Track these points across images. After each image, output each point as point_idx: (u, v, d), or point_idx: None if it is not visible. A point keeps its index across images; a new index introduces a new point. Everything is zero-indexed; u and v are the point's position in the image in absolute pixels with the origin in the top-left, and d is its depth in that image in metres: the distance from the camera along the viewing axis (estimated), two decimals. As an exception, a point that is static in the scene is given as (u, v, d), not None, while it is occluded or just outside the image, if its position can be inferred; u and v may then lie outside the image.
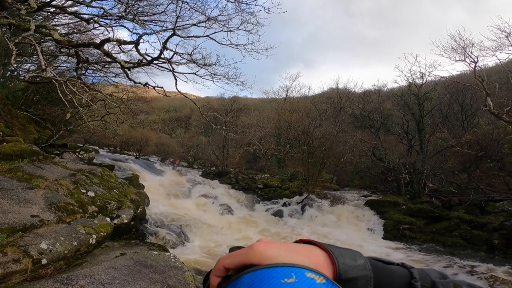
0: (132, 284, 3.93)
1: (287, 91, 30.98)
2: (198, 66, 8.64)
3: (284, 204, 14.23)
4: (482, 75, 9.84)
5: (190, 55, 8.37)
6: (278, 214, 13.50)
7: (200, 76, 8.84)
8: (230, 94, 41.37)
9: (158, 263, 4.63)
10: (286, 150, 20.51)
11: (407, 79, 16.18)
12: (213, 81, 9.01)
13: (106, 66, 10.02)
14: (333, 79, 58.14)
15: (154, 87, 8.39)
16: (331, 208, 12.42)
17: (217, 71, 10.11)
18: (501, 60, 10.62)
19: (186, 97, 8.91)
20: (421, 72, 15.11)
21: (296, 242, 0.44)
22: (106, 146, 30.48)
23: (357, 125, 22.18)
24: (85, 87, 6.11)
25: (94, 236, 4.53)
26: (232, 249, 7.40)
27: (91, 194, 5.54)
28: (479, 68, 10.34)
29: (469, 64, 10.59)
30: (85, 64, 8.67)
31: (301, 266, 0.36)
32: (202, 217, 9.95)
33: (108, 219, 5.23)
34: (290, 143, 19.32)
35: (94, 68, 10.26)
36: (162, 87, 8.42)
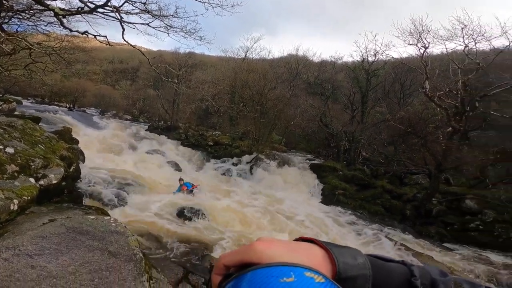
0: (66, 253, 3.61)
1: (247, 51, 30.22)
2: (153, 17, 7.46)
3: (234, 163, 14.41)
4: (427, 61, 10.72)
5: (145, 4, 7.12)
6: (227, 173, 13.71)
7: (154, 28, 7.71)
8: (186, 48, 39.08)
9: (96, 228, 4.30)
10: (239, 109, 20.35)
11: (362, 55, 17.00)
12: (168, 33, 7.95)
13: (36, 15, 8.08)
14: (294, 46, 58.33)
15: (95, 36, 7.14)
16: (278, 170, 13.07)
17: (174, 23, 8.94)
18: (447, 50, 11.61)
19: (134, 47, 7.79)
20: (375, 50, 15.95)
21: (296, 240, 0.45)
22: (32, 96, 26.92)
23: (309, 91, 23.00)
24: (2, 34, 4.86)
25: (16, 201, 3.95)
26: (182, 210, 7.30)
27: (9, 150, 4.70)
28: (426, 53, 11.19)
29: (419, 49, 11.35)
30: (10, 13, 6.90)
31: (300, 265, 0.36)
32: (147, 175, 9.51)
33: (32, 180, 4.56)
34: (244, 102, 19.17)
35: (21, 17, 8.21)
36: (105, 36, 7.20)
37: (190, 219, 7.02)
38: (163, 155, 13.26)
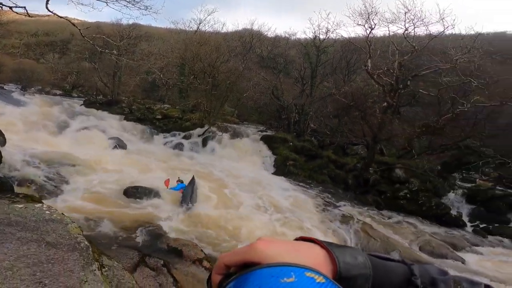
0: (-8, 249, 3.14)
1: (200, 24, 28.72)
2: (89, -16, 6.24)
3: (185, 137, 13.90)
4: (371, 41, 11.40)
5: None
6: (178, 147, 13.18)
7: (89, -4, 6.51)
8: (130, 19, 34.72)
9: (26, 218, 3.79)
10: (189, 81, 19.42)
11: (315, 32, 17.46)
12: (106, 2, 6.79)
13: None
14: (249, 20, 56.49)
15: (11, 8, 5.77)
16: (231, 142, 13.02)
17: (114, -9, 7.61)
18: (390, 32, 12.45)
19: (61, 17, 6.52)
20: (327, 28, 16.48)
21: (297, 239, 0.45)
22: None
23: (262, 65, 23.07)
24: None
25: None
26: (129, 189, 6.86)
27: None
28: (372, 34, 11.89)
29: (366, 30, 11.97)
30: None
31: (300, 265, 0.36)
32: (85, 154, 8.59)
33: None
34: (195, 75, 18.32)
35: None
36: (24, 7, 5.85)
37: (140, 198, 6.64)
38: (103, 132, 12.05)
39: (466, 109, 11.36)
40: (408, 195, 10.30)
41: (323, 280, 0.34)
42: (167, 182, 7.85)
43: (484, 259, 7.45)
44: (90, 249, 3.05)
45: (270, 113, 16.82)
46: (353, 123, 12.73)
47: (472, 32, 12.64)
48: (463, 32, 13.18)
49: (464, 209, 10.53)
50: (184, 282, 3.92)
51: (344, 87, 14.50)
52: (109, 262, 3.18)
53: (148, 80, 23.40)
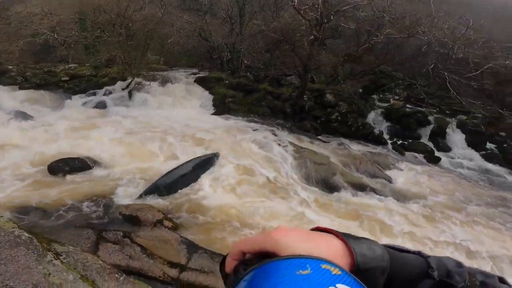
0: None
1: None
2: None
3: (106, 93, 12.25)
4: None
5: None
6: (101, 105, 11.51)
7: None
8: None
9: None
10: (96, 35, 16.60)
11: None
12: None
13: None
14: None
15: None
16: (163, 89, 11.95)
17: None
18: None
19: None
20: None
21: (313, 229, 0.45)
22: None
23: (184, 8, 20.99)
24: None
25: None
26: (52, 165, 5.72)
27: None
28: None
29: None
30: None
31: (316, 257, 0.36)
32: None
33: None
34: (101, 28, 15.70)
35: None
36: None
37: (69, 172, 5.69)
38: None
39: (379, 40, 12.50)
40: (339, 117, 11.25)
41: (339, 272, 0.33)
42: None
43: (405, 176, 8.09)
44: (35, 240, 2.76)
45: (200, 55, 15.88)
46: (284, 56, 12.95)
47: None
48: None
49: (383, 127, 11.88)
50: (152, 248, 3.80)
51: (273, 23, 14.34)
52: (64, 249, 2.94)
53: (38, 42, 19.26)
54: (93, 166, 6.03)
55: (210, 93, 11.72)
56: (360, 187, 6.78)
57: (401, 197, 6.75)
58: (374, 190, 6.77)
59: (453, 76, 11.35)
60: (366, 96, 13.08)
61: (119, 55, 13.66)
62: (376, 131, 11.43)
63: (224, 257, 0.45)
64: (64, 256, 2.75)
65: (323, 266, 0.34)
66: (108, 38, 14.75)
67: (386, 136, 11.38)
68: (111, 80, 12.89)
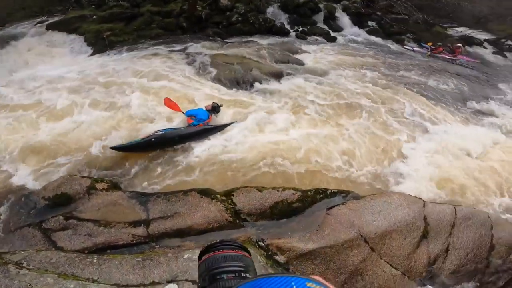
0: None
1: None
2: None
3: None
4: None
5: None
6: None
7: None
8: None
9: None
10: None
11: None
12: None
13: None
14: None
15: None
16: (6, 50, 8.36)
17: None
18: None
19: None
20: None
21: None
22: None
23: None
24: None
25: None
26: None
27: None
28: None
29: None
30: None
31: (301, 276, 0.35)
32: None
33: None
34: None
35: None
36: None
37: None
38: None
39: None
40: (239, 18, 10.75)
41: None
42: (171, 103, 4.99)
43: (312, 56, 8.87)
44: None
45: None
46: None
47: None
48: None
49: (283, 19, 12.00)
50: (104, 217, 3.27)
51: None
52: (19, 256, 2.44)
53: None
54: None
55: (77, 34, 8.80)
56: (277, 75, 7.13)
57: (313, 74, 7.46)
58: (289, 74, 7.25)
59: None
60: (259, -7, 12.13)
61: None
62: (278, 23, 11.48)
63: (206, 247, 0.46)
64: (25, 263, 2.37)
65: (309, 284, 0.33)
66: None
67: (287, 26, 11.73)
68: None
